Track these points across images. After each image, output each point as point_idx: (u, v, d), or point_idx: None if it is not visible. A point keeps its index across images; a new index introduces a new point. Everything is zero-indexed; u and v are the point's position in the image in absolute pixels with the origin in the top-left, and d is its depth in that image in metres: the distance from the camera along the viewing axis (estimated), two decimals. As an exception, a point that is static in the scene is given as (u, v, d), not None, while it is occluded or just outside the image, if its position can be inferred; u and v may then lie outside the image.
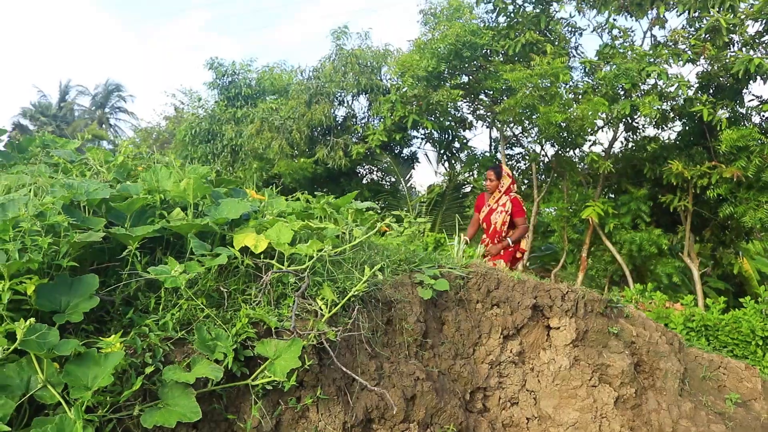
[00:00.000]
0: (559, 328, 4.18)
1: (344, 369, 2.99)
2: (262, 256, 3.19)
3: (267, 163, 14.08)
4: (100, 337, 2.57)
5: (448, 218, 13.22)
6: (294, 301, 2.93)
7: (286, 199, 5.01)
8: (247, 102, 15.71)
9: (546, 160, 12.18)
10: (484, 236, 6.47)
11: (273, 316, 2.89)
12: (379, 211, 4.41)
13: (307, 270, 3.09)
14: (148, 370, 2.47)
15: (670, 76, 9.58)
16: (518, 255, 6.44)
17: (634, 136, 12.30)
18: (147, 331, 2.67)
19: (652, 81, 10.04)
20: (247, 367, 2.74)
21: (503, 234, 6.27)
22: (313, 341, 2.88)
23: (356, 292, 3.08)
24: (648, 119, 9.38)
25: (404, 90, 11.75)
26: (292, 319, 2.84)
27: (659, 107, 9.52)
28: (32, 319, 2.23)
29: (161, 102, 68.91)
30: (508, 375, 3.98)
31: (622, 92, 10.00)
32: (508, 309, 4.06)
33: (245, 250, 3.20)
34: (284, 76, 15.90)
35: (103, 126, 52.51)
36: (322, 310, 3.00)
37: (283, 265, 3.10)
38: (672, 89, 9.54)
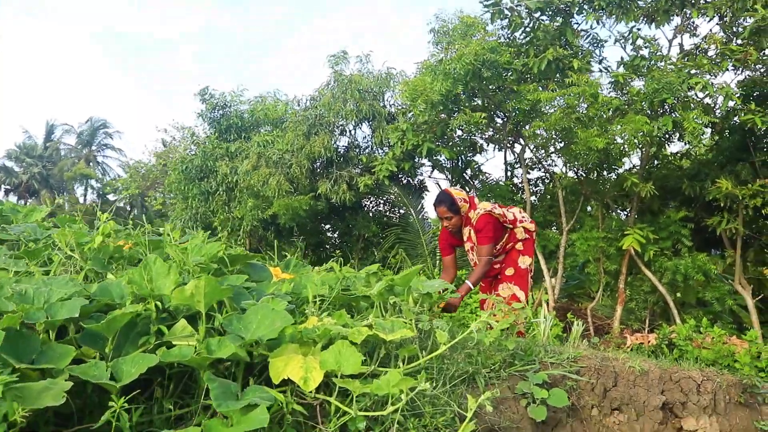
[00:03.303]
0: (697, 431, 3.13)
1: None
2: (314, 391, 2.14)
3: (264, 201, 13.01)
4: None
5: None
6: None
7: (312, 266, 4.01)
8: (240, 135, 14.65)
9: (567, 181, 11.22)
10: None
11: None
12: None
13: (393, 415, 2.04)
14: None
15: (714, 86, 8.63)
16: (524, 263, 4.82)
17: (663, 152, 11.38)
18: None
19: (691, 93, 9.11)
20: None
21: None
22: None
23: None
24: (693, 135, 8.36)
25: (411, 116, 10.76)
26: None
27: (706, 122, 8.53)
28: None
29: (152, 138, 67.90)
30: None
31: (660, 108, 9.05)
32: (633, 413, 3.01)
33: (287, 381, 2.15)
34: (278, 106, 14.87)
35: (91, 164, 51.50)
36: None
37: (347, 404, 2.06)
38: (718, 101, 8.60)
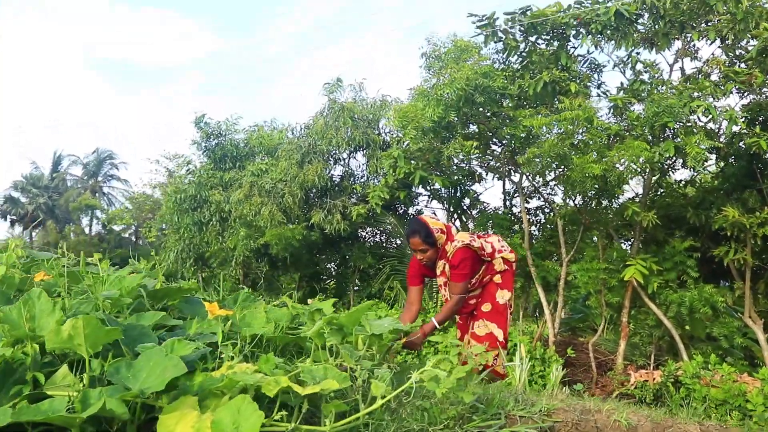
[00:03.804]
0: (694, 495, 2.69)
1: None
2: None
3: (257, 231, 12.68)
4: None
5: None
6: None
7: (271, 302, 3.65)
8: (235, 164, 14.39)
9: (566, 210, 10.80)
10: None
11: None
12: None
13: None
14: None
15: (717, 110, 8.25)
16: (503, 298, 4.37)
17: (666, 180, 10.96)
18: None
19: (693, 117, 8.74)
20: None
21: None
22: None
23: None
24: (696, 161, 7.96)
25: (407, 144, 10.41)
26: None
27: (709, 147, 8.14)
28: None
29: (148, 170, 68.35)
30: None
31: (661, 134, 8.67)
32: (618, 475, 2.58)
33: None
34: (274, 134, 14.61)
35: (96, 195, 51.64)
36: None
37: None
38: (722, 125, 8.22)
